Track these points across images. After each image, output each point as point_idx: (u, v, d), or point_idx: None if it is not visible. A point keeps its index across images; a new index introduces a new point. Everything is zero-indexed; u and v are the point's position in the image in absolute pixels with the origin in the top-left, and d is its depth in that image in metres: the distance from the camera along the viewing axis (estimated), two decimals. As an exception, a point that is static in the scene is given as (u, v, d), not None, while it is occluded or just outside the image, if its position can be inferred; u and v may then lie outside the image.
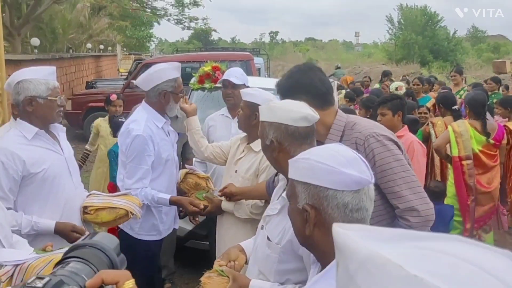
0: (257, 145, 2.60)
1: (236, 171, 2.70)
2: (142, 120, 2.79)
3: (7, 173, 2.16)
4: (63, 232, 2.24)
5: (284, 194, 1.63)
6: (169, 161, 2.90)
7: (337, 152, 1.16)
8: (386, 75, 10.31)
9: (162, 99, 2.81)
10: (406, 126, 3.84)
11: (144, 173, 2.76)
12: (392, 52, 40.94)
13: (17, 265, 1.53)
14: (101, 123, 4.94)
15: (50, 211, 2.30)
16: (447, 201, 3.76)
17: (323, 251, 1.15)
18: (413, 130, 4.52)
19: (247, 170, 2.62)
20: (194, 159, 3.67)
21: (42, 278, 0.77)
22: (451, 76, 8.32)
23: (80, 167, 4.17)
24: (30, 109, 2.26)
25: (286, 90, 1.90)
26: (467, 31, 53.22)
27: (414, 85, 7.46)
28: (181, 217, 3.93)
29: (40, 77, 2.28)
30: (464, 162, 3.73)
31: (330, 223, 1.08)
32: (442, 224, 3.62)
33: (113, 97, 4.94)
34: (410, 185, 1.81)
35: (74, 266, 0.84)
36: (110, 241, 0.95)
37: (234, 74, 3.49)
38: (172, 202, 2.81)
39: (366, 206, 1.14)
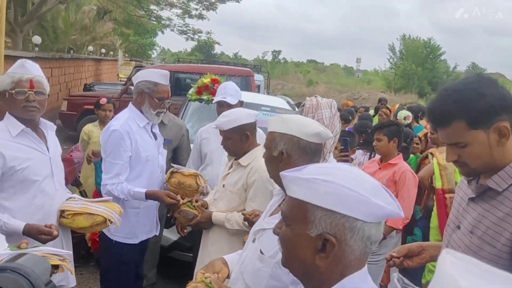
0: (245, 160, 2.57)
1: (223, 185, 2.65)
2: (123, 117, 2.81)
3: None
4: (31, 235, 2.15)
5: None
6: (149, 162, 2.85)
7: (362, 177, 1.04)
8: (381, 101, 10.42)
9: (139, 98, 2.84)
10: (401, 154, 3.82)
11: (120, 168, 2.73)
12: (391, 80, 41.42)
13: (-11, 260, 1.46)
14: (93, 129, 4.78)
15: (26, 211, 2.22)
16: (431, 232, 3.73)
17: (323, 280, 1.04)
18: (405, 158, 4.50)
19: (235, 184, 2.56)
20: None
21: None
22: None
23: (77, 181, 4.03)
24: (2, 104, 2.20)
25: (486, 114, 1.43)
26: (466, 67, 53.95)
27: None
28: (169, 225, 3.87)
29: (10, 70, 2.22)
30: (447, 195, 3.70)
31: (346, 256, 1.01)
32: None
33: (103, 100, 4.78)
34: None
35: None
36: (38, 265, 0.82)
37: (230, 92, 3.48)
38: (148, 196, 2.76)
39: (381, 237, 1.06)
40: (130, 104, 2.90)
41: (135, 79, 2.91)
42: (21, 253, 0.85)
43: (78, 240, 3.69)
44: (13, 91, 2.18)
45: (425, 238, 3.83)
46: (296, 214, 1.05)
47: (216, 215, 2.61)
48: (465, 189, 1.65)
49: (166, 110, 3.14)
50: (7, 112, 2.26)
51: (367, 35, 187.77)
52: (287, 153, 1.68)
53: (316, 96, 2.09)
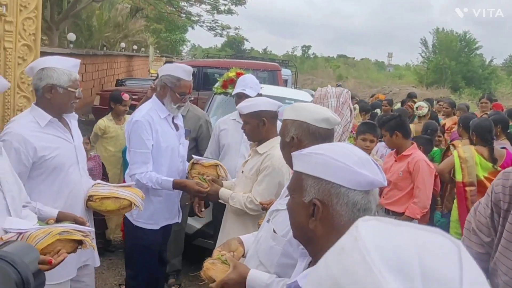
0: (262, 148, 2.67)
1: (242, 172, 2.76)
2: (145, 108, 2.95)
3: (19, 159, 2.24)
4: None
5: None
6: (169, 152, 2.97)
7: (351, 151, 1.17)
8: (410, 96, 10.26)
9: (161, 91, 2.96)
10: (414, 144, 3.84)
11: (145, 157, 2.87)
12: (423, 75, 40.46)
13: (20, 233, 1.63)
14: (109, 124, 4.73)
15: (55, 198, 2.37)
16: (451, 225, 3.73)
17: (320, 246, 1.14)
18: (427, 150, 4.48)
19: (250, 170, 2.68)
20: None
21: None
22: (481, 103, 8.22)
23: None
24: (48, 96, 2.35)
25: None
26: (504, 60, 52.13)
27: (444, 108, 7.55)
28: (193, 214, 4.01)
29: (64, 68, 2.37)
30: (467, 188, 3.70)
31: (335, 220, 1.12)
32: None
33: (126, 96, 4.76)
34: None
35: None
36: (25, 254, 0.80)
37: (249, 84, 3.56)
38: (175, 185, 2.90)
39: (372, 207, 1.16)
40: (154, 96, 3.04)
41: (160, 71, 3.03)
42: (9, 241, 0.84)
43: (99, 232, 3.86)
44: (72, 89, 2.37)
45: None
46: (295, 184, 1.21)
47: (223, 191, 2.75)
48: None
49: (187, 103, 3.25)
50: (33, 104, 2.43)
51: (398, 29, 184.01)
52: (297, 138, 1.78)
53: (327, 86, 2.17)
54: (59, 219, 2.26)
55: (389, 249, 0.48)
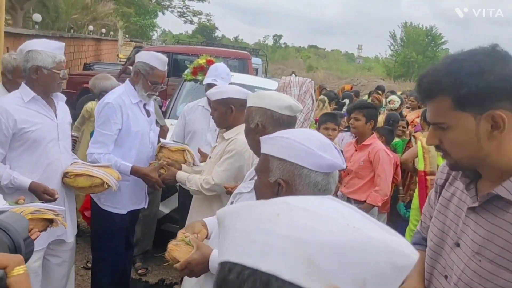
0: (229, 134, 2.75)
1: (209, 157, 2.84)
2: (118, 92, 2.99)
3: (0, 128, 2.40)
4: (35, 192, 2.45)
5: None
6: (139, 137, 3.01)
7: (314, 136, 1.28)
8: (378, 89, 10.51)
9: (135, 77, 3.01)
10: (374, 134, 3.99)
11: (108, 139, 2.90)
12: (391, 68, 41.28)
13: (-9, 212, 1.65)
14: (95, 109, 4.81)
15: (32, 169, 2.51)
16: (411, 212, 3.91)
17: None
18: (388, 141, 4.66)
19: (216, 155, 2.76)
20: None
21: None
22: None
23: None
24: (34, 77, 2.51)
25: (480, 95, 1.14)
26: (467, 55, 53.60)
27: (410, 101, 7.78)
28: (163, 199, 4.06)
29: (49, 50, 2.52)
30: (428, 177, 3.88)
31: None
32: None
33: None
34: None
35: None
36: (17, 222, 0.88)
37: (221, 75, 3.61)
38: (133, 171, 2.94)
39: (331, 188, 1.28)
40: (127, 80, 3.07)
41: (137, 58, 3.07)
42: (1, 211, 0.92)
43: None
44: (56, 71, 2.50)
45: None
46: (262, 165, 1.32)
47: (180, 174, 2.82)
48: (460, 194, 1.33)
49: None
50: (23, 82, 2.56)
51: (369, 22, 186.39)
52: (262, 125, 1.87)
53: (291, 75, 2.27)
54: (31, 188, 2.43)
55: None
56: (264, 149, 1.32)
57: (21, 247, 0.85)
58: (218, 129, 2.98)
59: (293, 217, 0.53)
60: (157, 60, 2.99)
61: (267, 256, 0.50)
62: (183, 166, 2.99)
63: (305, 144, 1.23)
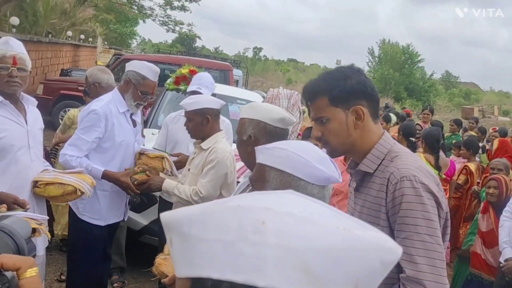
0: (207, 143, 2.72)
1: (189, 170, 2.79)
2: (105, 99, 2.91)
3: None
4: (5, 202, 2.20)
5: (249, 190, 1.71)
6: (123, 147, 2.94)
7: (311, 149, 1.27)
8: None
9: (124, 86, 2.94)
10: None
11: (84, 144, 2.80)
12: (369, 84, 41.96)
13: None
14: (78, 114, 4.66)
15: (1, 180, 2.33)
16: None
17: None
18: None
19: (196, 166, 2.72)
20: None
21: None
22: (423, 114, 8.78)
23: (52, 165, 4.00)
24: None
25: (346, 94, 1.52)
26: (441, 75, 55.23)
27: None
28: (140, 210, 3.96)
29: None
30: None
31: None
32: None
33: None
34: (430, 254, 1.40)
35: None
36: (21, 226, 0.91)
37: (205, 83, 3.56)
38: (104, 175, 2.83)
39: (326, 202, 1.25)
40: (116, 88, 3.00)
41: (128, 66, 2.99)
42: (6, 215, 0.94)
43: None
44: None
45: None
46: (258, 175, 1.30)
47: (167, 182, 2.75)
48: (352, 182, 1.70)
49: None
50: None
51: (347, 38, 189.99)
52: (254, 137, 1.85)
53: (279, 88, 2.26)
54: (0, 198, 2.20)
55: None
56: (260, 159, 1.30)
57: (25, 251, 0.88)
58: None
59: (281, 224, 0.49)
60: (149, 70, 2.93)
61: (262, 271, 0.47)
62: (171, 179, 2.92)
63: (303, 156, 1.22)
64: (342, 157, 3.87)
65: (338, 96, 1.51)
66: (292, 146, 1.27)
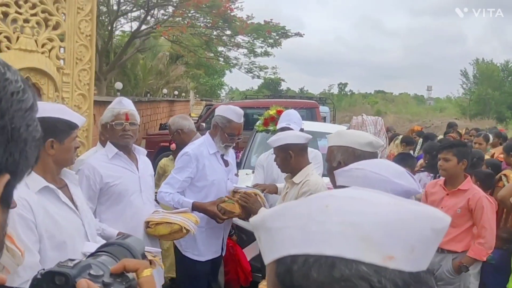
0: (298, 177, 2.80)
1: None
2: (197, 143, 3.22)
3: (88, 184, 2.59)
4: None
5: None
6: (216, 185, 3.18)
7: (388, 165, 1.33)
8: (451, 126, 10.12)
9: (213, 129, 3.21)
10: (469, 178, 3.55)
11: (176, 182, 3.10)
12: (466, 107, 39.56)
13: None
14: (168, 163, 4.84)
15: (117, 220, 2.66)
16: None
17: None
18: (488, 185, 4.21)
19: (290, 199, 2.78)
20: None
21: (73, 260, 0.90)
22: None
23: None
24: (106, 134, 2.73)
25: None
26: (549, 87, 50.28)
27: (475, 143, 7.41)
28: (243, 247, 4.10)
29: (110, 106, 2.73)
30: None
31: None
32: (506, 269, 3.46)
33: (173, 147, 4.78)
34: None
35: (103, 258, 0.96)
36: (137, 244, 1.07)
37: (293, 119, 3.72)
38: (194, 207, 3.06)
39: None
40: (207, 133, 3.28)
41: (216, 111, 3.29)
42: (127, 235, 1.10)
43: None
44: (113, 123, 2.65)
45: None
46: None
47: (263, 210, 2.83)
48: None
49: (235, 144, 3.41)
50: (108, 141, 2.76)
51: (435, 62, 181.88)
52: (344, 163, 1.87)
53: (362, 115, 2.31)
54: None
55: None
56: (340, 182, 1.37)
57: None
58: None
59: (342, 205, 0.58)
60: (233, 113, 3.17)
61: (329, 242, 0.56)
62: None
63: (380, 173, 1.28)
64: (442, 182, 3.67)
65: None
66: (368, 165, 1.33)
